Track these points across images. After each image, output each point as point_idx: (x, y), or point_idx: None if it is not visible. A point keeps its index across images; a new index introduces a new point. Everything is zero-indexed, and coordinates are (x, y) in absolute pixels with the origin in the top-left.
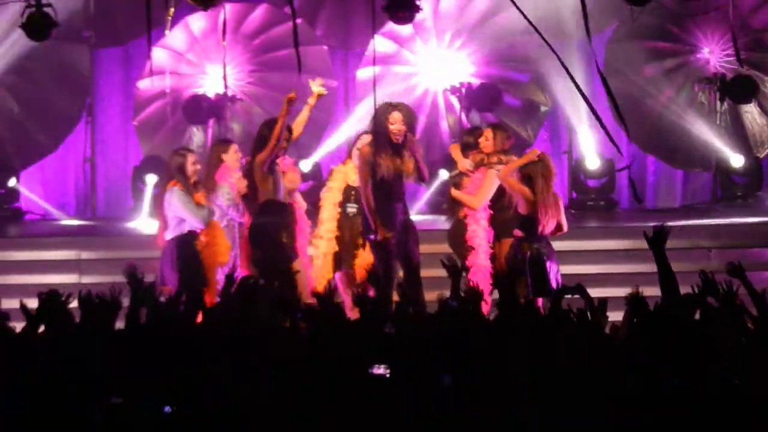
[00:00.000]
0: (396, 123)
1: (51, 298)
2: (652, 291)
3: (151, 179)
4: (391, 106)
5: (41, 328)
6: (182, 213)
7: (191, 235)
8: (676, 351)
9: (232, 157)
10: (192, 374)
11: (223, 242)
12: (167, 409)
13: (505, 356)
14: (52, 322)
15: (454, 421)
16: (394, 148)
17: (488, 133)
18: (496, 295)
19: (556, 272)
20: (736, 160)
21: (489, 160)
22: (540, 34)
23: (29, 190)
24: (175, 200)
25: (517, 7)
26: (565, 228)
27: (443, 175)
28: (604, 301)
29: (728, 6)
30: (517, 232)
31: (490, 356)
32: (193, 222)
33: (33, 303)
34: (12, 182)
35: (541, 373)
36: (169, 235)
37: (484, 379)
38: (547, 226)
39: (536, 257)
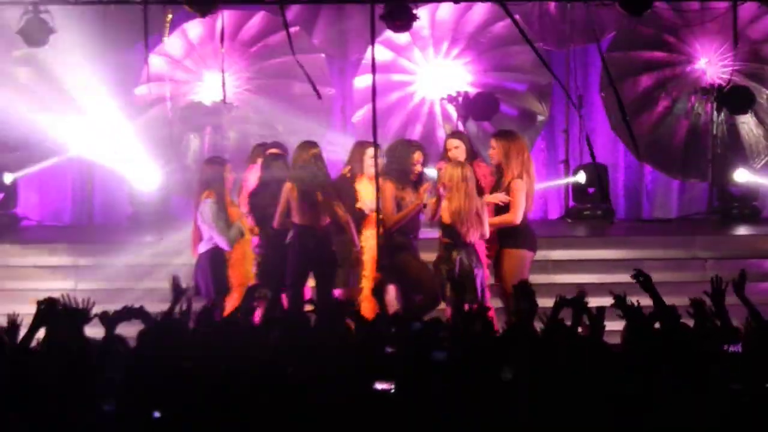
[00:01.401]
0: (417, 163)
1: (49, 305)
2: (648, 301)
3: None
4: (412, 146)
5: (40, 334)
6: (211, 228)
7: (222, 251)
8: (672, 355)
9: None
10: (192, 385)
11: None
12: (156, 414)
13: (504, 365)
14: (50, 329)
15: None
16: (412, 184)
17: (493, 142)
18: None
19: (482, 278)
20: (740, 175)
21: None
22: (532, 45)
23: (26, 195)
24: (207, 212)
25: (511, 17)
26: (486, 235)
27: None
28: (601, 310)
29: (725, 16)
30: (444, 239)
31: (490, 366)
32: (218, 241)
33: (29, 309)
34: (8, 179)
35: (541, 380)
36: (203, 248)
37: (485, 387)
38: (468, 234)
39: (462, 264)
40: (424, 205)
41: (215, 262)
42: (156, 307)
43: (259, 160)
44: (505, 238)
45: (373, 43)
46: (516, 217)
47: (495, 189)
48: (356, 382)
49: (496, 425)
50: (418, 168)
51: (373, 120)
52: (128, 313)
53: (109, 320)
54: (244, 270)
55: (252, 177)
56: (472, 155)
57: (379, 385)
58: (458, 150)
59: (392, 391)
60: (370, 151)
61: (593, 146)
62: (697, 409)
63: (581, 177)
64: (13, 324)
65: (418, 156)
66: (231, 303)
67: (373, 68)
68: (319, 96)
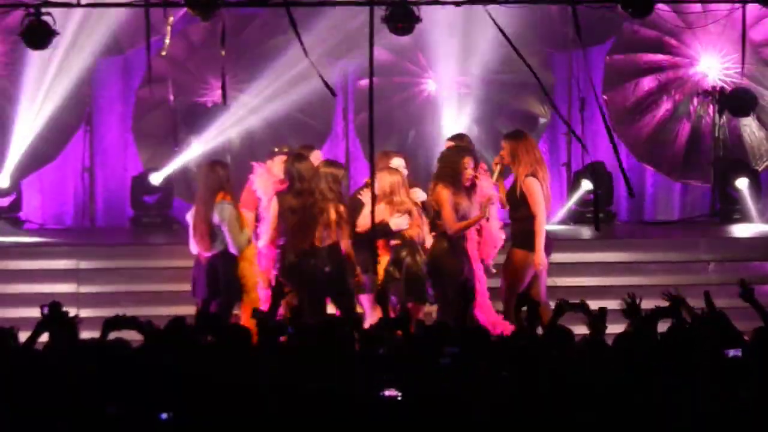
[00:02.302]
0: (469, 167)
1: (53, 308)
2: (649, 303)
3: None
4: (462, 150)
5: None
6: (227, 230)
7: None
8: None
9: (315, 162)
10: (198, 388)
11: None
12: (163, 416)
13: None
14: (54, 332)
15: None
16: (465, 190)
17: (503, 143)
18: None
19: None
20: (742, 183)
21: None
22: (515, 48)
23: (29, 198)
24: (227, 214)
25: (495, 23)
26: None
27: None
28: (603, 311)
29: (727, 18)
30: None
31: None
32: (231, 245)
33: (32, 312)
34: (4, 182)
35: (541, 382)
36: (216, 248)
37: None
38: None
39: (407, 265)
40: (487, 219)
41: (228, 263)
42: (159, 310)
43: (270, 162)
44: (518, 236)
45: (371, 45)
46: (540, 217)
47: (510, 190)
48: (362, 388)
49: (496, 428)
50: (469, 172)
51: (369, 123)
52: (120, 323)
53: (102, 327)
54: (253, 272)
55: (261, 179)
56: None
57: (387, 393)
58: (505, 151)
59: (399, 398)
60: (395, 160)
61: (595, 148)
62: (699, 415)
63: (587, 185)
64: (12, 331)
65: (468, 160)
66: (251, 304)
67: (371, 70)
68: (333, 94)
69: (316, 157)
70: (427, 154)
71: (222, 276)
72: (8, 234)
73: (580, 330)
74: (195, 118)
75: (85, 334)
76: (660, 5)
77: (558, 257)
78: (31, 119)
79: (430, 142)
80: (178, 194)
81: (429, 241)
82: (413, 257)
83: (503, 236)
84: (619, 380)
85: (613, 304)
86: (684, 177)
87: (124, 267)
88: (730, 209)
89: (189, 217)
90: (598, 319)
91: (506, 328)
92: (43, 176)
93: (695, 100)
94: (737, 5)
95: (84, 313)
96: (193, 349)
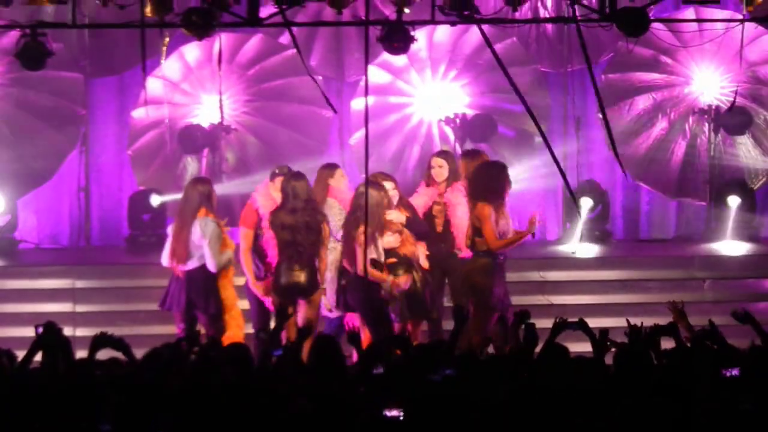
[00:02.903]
0: (508, 184)
1: (48, 328)
2: (646, 321)
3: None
4: (501, 166)
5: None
6: (205, 248)
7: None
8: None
9: (339, 181)
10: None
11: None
12: None
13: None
14: (49, 352)
15: None
16: (503, 206)
17: (462, 162)
18: None
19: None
20: (733, 201)
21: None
22: (503, 68)
23: (24, 218)
24: (210, 231)
25: (488, 42)
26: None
27: None
28: (604, 333)
29: (722, 37)
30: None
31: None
32: (208, 260)
33: (27, 332)
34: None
35: (538, 401)
36: (192, 264)
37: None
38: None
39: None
40: (533, 234)
41: (208, 278)
42: (155, 329)
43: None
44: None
45: (366, 65)
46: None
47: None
48: (362, 406)
49: None
50: (509, 187)
51: (365, 143)
52: (106, 342)
53: (90, 346)
54: (232, 291)
55: (264, 197)
56: (456, 176)
57: (389, 413)
58: (441, 169)
59: (401, 418)
60: (384, 185)
61: (590, 166)
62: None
63: (587, 203)
64: (8, 353)
65: (507, 175)
66: (233, 322)
67: (366, 90)
68: (335, 111)
69: (340, 175)
70: (422, 174)
71: (202, 290)
72: (4, 254)
73: (575, 347)
74: (191, 139)
75: (81, 354)
76: (655, 24)
77: (553, 275)
78: None
79: (423, 162)
80: (172, 213)
81: (423, 261)
82: (411, 275)
83: None
84: (618, 397)
85: (608, 322)
86: (679, 195)
87: (120, 286)
88: (725, 227)
89: (170, 231)
90: (599, 341)
91: None
92: (39, 196)
93: (691, 119)
94: (733, 24)
95: (80, 332)
96: (186, 368)
